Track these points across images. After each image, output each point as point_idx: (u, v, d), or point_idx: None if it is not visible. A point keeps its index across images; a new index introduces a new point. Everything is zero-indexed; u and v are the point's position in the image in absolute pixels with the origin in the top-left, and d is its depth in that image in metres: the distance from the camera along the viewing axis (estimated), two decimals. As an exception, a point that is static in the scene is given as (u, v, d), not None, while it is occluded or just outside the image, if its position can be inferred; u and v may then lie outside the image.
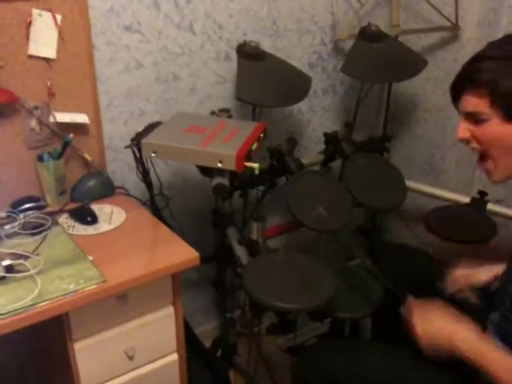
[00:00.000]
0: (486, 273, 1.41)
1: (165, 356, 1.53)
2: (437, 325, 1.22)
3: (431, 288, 1.46)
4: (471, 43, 2.07)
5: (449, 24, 2.10)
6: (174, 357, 1.54)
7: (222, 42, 1.90)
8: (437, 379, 1.28)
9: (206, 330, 2.28)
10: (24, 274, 1.25)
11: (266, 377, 2.02)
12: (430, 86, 2.25)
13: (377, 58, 1.96)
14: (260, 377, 1.94)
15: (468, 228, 1.82)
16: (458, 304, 1.33)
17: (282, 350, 2.14)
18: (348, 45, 2.24)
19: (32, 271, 1.25)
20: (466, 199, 2.00)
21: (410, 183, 2.04)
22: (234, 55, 1.91)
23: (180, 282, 1.47)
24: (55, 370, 1.62)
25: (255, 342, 1.98)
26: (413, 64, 2.03)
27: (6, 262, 1.25)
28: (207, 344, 2.10)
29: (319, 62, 2.21)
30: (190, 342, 1.66)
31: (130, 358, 1.44)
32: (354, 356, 1.38)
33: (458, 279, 1.45)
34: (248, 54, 1.77)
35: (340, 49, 2.25)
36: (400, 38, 2.14)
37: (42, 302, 1.17)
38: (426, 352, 1.23)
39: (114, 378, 1.44)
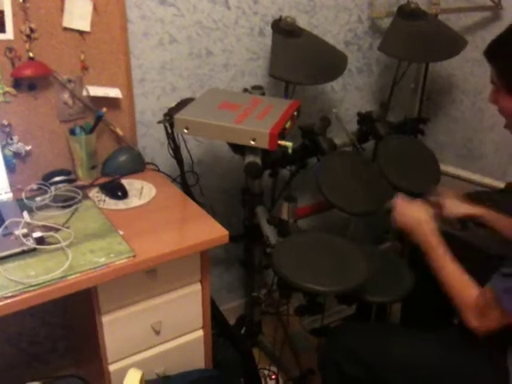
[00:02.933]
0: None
1: (191, 332, 1.54)
2: (410, 212, 1.46)
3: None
4: (514, 23, 1.99)
5: (491, 3, 2.02)
6: (200, 333, 1.55)
7: (256, 17, 1.86)
8: (468, 366, 1.26)
9: (231, 307, 2.29)
10: (55, 246, 1.26)
11: (291, 356, 2.02)
12: (468, 67, 2.19)
13: (415, 37, 1.90)
14: (284, 356, 1.94)
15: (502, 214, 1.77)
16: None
17: (306, 330, 2.14)
18: (385, 23, 2.18)
19: (63, 243, 1.26)
20: (501, 184, 1.95)
21: (444, 167, 1.99)
22: (268, 31, 1.88)
23: (208, 260, 1.46)
24: (84, 342, 1.64)
25: (282, 322, 1.98)
26: (452, 44, 1.97)
27: (37, 234, 1.26)
28: (231, 321, 2.10)
29: (355, 40, 2.16)
30: (215, 319, 1.66)
31: (157, 333, 1.46)
32: (386, 339, 1.37)
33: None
34: (284, 30, 1.74)
35: (376, 27, 2.19)
36: (440, 17, 2.07)
37: (73, 274, 1.18)
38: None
39: (141, 351, 1.46)
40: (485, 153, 2.20)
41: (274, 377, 1.97)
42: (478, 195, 1.81)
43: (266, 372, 1.98)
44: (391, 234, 2.46)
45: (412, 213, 1.45)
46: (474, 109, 2.21)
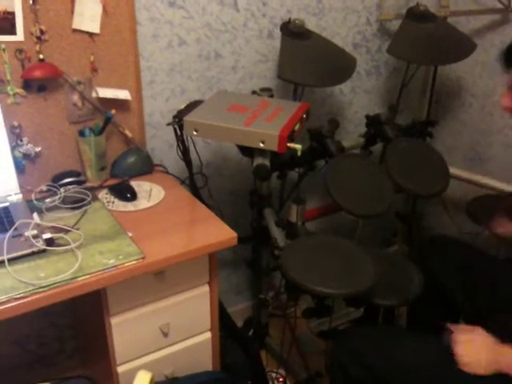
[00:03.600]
0: None
1: (199, 334, 1.54)
2: (480, 351, 1.25)
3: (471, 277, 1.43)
4: (524, 26, 1.99)
5: (500, 6, 2.01)
6: (208, 335, 1.55)
7: (265, 19, 1.87)
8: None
9: (239, 309, 2.29)
10: (65, 247, 1.26)
11: (298, 359, 2.02)
12: (477, 70, 2.18)
13: (424, 40, 1.90)
14: (292, 359, 1.94)
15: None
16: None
17: (313, 333, 2.13)
18: (393, 25, 2.18)
19: (72, 245, 1.26)
20: (510, 187, 1.94)
21: (452, 170, 1.99)
22: (277, 33, 1.88)
23: (217, 262, 1.46)
24: (92, 343, 1.64)
25: (289, 325, 1.98)
26: (461, 47, 1.96)
27: (47, 236, 1.27)
28: (239, 323, 2.10)
29: (363, 42, 2.16)
30: (222, 321, 1.66)
31: (165, 335, 1.46)
32: (393, 344, 1.36)
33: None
34: (292, 33, 1.73)
35: (385, 29, 2.19)
36: (449, 20, 2.07)
37: (83, 276, 1.18)
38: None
39: (149, 353, 1.46)
40: (493, 156, 2.19)
41: (281, 379, 1.96)
42: (482, 200, 1.81)
43: (274, 375, 1.98)
44: (399, 237, 2.45)
45: (481, 352, 1.26)
46: (483, 112, 2.20)
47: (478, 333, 1.28)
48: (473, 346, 1.26)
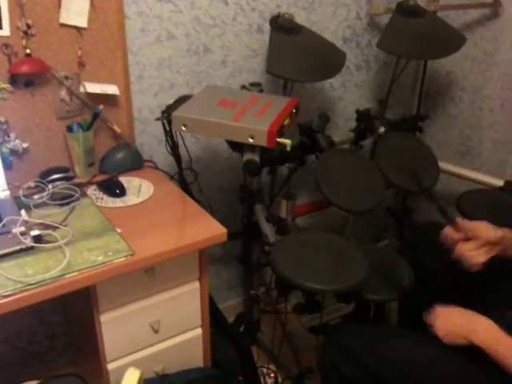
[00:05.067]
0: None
1: (189, 330, 1.53)
2: (455, 319, 1.27)
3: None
4: (513, 21, 1.99)
5: (490, 0, 2.01)
6: (199, 331, 1.55)
7: (254, 13, 1.86)
8: (466, 367, 1.26)
9: (230, 305, 2.29)
10: (53, 244, 1.25)
11: (289, 355, 2.02)
12: (467, 65, 2.18)
13: (414, 34, 1.89)
14: (283, 354, 1.93)
15: (501, 212, 1.77)
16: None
17: (305, 328, 2.13)
18: (383, 20, 2.18)
19: (61, 242, 1.25)
20: (499, 182, 1.95)
21: (442, 164, 1.99)
22: (266, 28, 1.87)
23: (207, 258, 1.46)
24: (83, 340, 1.64)
25: (280, 320, 1.98)
26: (451, 41, 1.96)
27: (35, 232, 1.26)
28: (230, 319, 2.10)
29: (353, 36, 2.15)
30: (213, 317, 1.65)
31: (155, 331, 1.45)
32: (384, 341, 1.36)
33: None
34: (282, 27, 1.73)
35: (375, 24, 2.19)
36: (439, 14, 2.07)
37: (71, 273, 1.17)
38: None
39: (139, 350, 1.45)
40: (483, 150, 2.20)
41: (272, 375, 1.96)
42: (472, 194, 1.81)
43: (265, 370, 1.97)
44: (389, 232, 2.46)
45: (458, 319, 1.27)
46: (473, 106, 2.20)
47: (456, 308, 1.30)
48: (449, 318, 1.28)
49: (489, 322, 1.22)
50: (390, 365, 1.30)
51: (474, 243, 1.31)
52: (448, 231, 1.37)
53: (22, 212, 1.34)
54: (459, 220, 1.37)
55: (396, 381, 1.31)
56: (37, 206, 1.43)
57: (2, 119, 1.50)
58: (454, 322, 1.27)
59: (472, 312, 1.27)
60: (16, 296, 1.11)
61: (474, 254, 1.30)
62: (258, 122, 1.40)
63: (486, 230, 1.32)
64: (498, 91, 2.08)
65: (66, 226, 1.34)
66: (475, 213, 1.72)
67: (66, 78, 1.56)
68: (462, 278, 1.46)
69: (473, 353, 1.25)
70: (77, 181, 1.60)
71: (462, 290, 1.51)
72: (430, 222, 2.39)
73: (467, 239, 1.33)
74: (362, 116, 1.94)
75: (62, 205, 1.44)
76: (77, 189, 1.50)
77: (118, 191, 1.53)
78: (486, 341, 1.19)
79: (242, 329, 2.15)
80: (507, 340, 1.18)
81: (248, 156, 1.43)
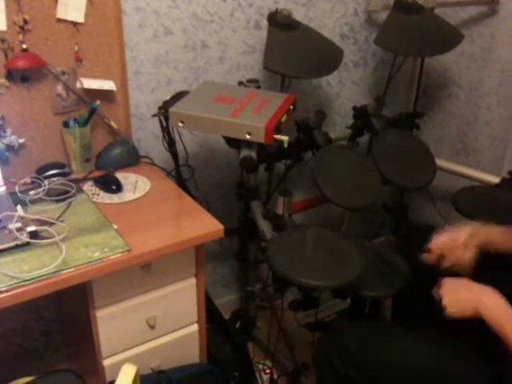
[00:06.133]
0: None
1: (185, 326, 1.53)
2: (464, 290, 1.24)
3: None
4: (511, 18, 1.99)
5: (487, -3, 2.02)
6: (195, 327, 1.55)
7: (252, 9, 1.85)
8: (462, 366, 1.26)
9: (226, 301, 2.29)
10: (49, 240, 1.25)
11: (285, 351, 2.02)
12: (464, 62, 2.18)
13: (411, 31, 1.89)
14: (279, 350, 1.94)
15: (497, 209, 1.77)
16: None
17: (301, 324, 2.13)
18: (381, 16, 2.17)
19: (57, 238, 1.25)
20: (496, 179, 1.95)
21: (439, 162, 1.99)
22: (264, 24, 1.87)
23: (203, 254, 1.46)
24: (79, 336, 1.64)
25: (276, 317, 1.98)
26: (448, 38, 1.96)
27: (31, 228, 1.25)
28: (226, 316, 2.10)
29: (351, 33, 2.15)
30: (209, 313, 1.66)
31: (152, 328, 1.45)
32: (381, 341, 1.37)
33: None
34: (279, 23, 1.72)
35: (373, 20, 2.18)
36: (436, 11, 2.06)
37: (67, 269, 1.17)
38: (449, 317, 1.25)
39: (135, 346, 1.45)
40: (480, 147, 2.20)
41: (268, 371, 1.97)
42: (468, 191, 1.81)
43: (261, 366, 1.98)
44: (386, 229, 2.46)
45: (467, 293, 1.25)
46: (470, 103, 2.20)
47: (464, 281, 1.28)
48: (459, 290, 1.26)
49: (499, 296, 1.19)
50: (384, 365, 1.31)
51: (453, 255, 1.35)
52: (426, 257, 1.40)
53: (18, 208, 1.34)
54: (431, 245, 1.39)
55: (393, 379, 1.31)
56: (33, 201, 1.43)
57: (-2, 114, 1.50)
58: (464, 294, 1.24)
59: (482, 286, 1.24)
60: (12, 292, 1.11)
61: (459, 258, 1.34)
62: (256, 118, 1.40)
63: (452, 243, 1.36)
64: (494, 88, 2.08)
65: (62, 222, 1.34)
66: (471, 210, 1.72)
67: (63, 73, 1.56)
68: (457, 275, 1.47)
69: (472, 352, 1.25)
70: (73, 177, 1.59)
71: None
72: (424, 224, 2.41)
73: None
74: (359, 113, 1.94)
75: (58, 201, 1.44)
76: (73, 185, 1.50)
77: (114, 187, 1.53)
78: (494, 315, 1.17)
79: (238, 325, 2.15)
80: None
81: (245, 152, 1.43)
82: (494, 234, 1.37)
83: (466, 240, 1.35)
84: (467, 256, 1.35)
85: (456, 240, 1.36)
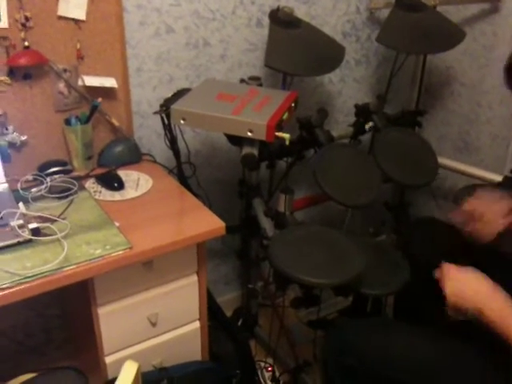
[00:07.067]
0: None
1: (187, 324, 1.53)
2: (472, 286, 1.19)
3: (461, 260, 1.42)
4: (513, 16, 1.99)
5: (490, -5, 2.01)
6: (197, 325, 1.55)
7: (254, 7, 1.85)
8: (464, 361, 1.26)
9: (228, 299, 2.29)
10: (51, 237, 1.25)
11: (287, 348, 2.02)
12: (466, 60, 2.18)
13: (414, 29, 1.89)
14: (281, 348, 1.94)
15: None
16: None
17: (302, 322, 2.14)
18: (383, 14, 2.17)
19: (59, 235, 1.25)
20: (498, 178, 1.95)
21: (441, 159, 1.99)
22: (266, 21, 1.87)
23: (205, 252, 1.46)
24: (80, 334, 1.64)
25: (278, 314, 1.98)
26: (451, 36, 1.95)
27: (33, 225, 1.25)
28: (228, 313, 2.10)
29: (353, 31, 2.15)
30: (211, 311, 1.66)
31: (153, 325, 1.45)
32: (381, 333, 1.37)
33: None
34: (281, 21, 1.72)
35: (375, 18, 2.18)
36: (438, 9, 2.06)
37: (69, 266, 1.17)
38: (450, 311, 1.21)
39: (137, 343, 1.45)
40: (482, 146, 2.20)
41: (270, 369, 1.97)
42: (470, 189, 1.81)
43: (263, 364, 1.98)
44: (387, 227, 2.46)
45: (472, 285, 1.19)
46: (472, 101, 2.20)
47: (470, 273, 1.22)
48: (465, 283, 1.20)
49: (507, 298, 1.14)
50: (384, 358, 1.30)
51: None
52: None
53: (20, 205, 1.34)
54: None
55: (397, 374, 1.31)
56: (35, 199, 1.43)
57: (0, 112, 1.50)
58: (471, 290, 1.18)
59: (488, 283, 1.18)
60: (14, 289, 1.11)
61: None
62: (257, 115, 1.40)
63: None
64: (497, 86, 2.08)
65: (64, 219, 1.34)
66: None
67: (65, 70, 1.56)
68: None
69: (474, 347, 1.25)
70: (75, 174, 1.59)
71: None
72: (425, 217, 2.40)
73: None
74: (361, 111, 1.93)
75: (60, 198, 1.44)
76: (75, 182, 1.50)
77: (116, 185, 1.53)
78: (500, 319, 1.12)
79: (239, 323, 2.15)
80: None
81: (247, 150, 1.43)
82: None
83: (507, 209, 1.28)
84: (498, 226, 1.29)
85: (496, 205, 1.30)
